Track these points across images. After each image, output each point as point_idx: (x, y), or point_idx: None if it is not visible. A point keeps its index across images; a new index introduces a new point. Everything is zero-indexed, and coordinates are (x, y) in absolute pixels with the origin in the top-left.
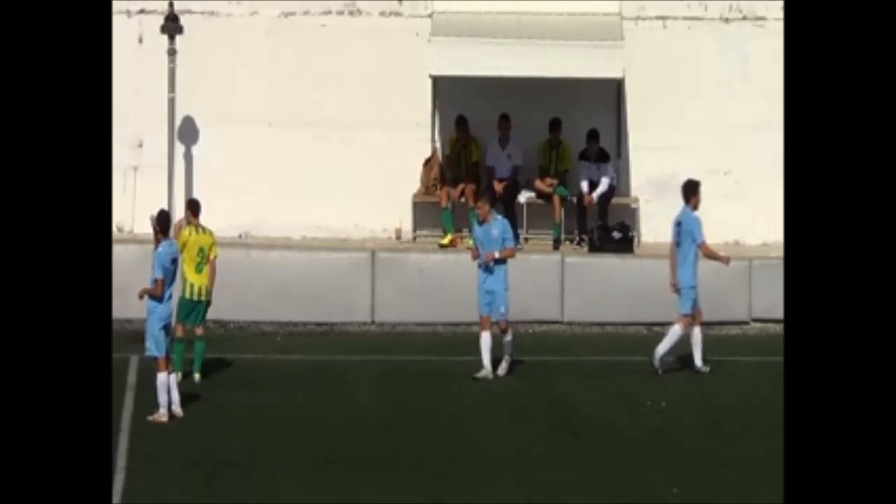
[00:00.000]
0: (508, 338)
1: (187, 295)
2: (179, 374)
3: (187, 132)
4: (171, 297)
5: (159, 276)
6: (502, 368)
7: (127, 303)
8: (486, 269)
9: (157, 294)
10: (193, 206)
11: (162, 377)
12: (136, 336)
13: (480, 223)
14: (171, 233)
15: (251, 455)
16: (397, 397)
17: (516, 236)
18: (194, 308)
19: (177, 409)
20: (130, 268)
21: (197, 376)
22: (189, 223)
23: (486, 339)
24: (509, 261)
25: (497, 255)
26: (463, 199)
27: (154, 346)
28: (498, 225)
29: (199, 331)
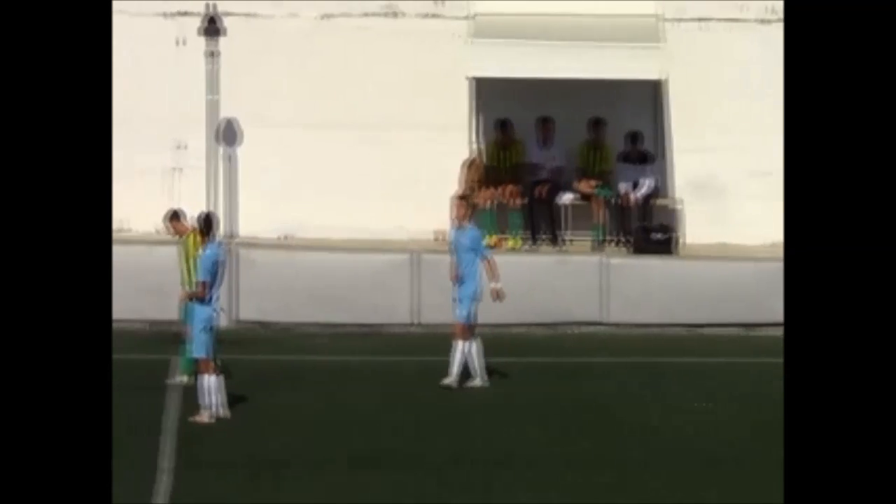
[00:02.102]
0: (461, 346)
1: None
2: (186, 378)
3: (229, 134)
4: (218, 298)
5: (204, 278)
6: (452, 380)
7: (168, 304)
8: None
9: (200, 296)
10: (178, 217)
11: (205, 379)
12: (178, 338)
13: (457, 227)
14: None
15: (295, 455)
16: (438, 398)
17: (555, 238)
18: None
19: (224, 410)
20: (171, 269)
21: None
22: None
23: (470, 347)
24: (548, 261)
25: (500, 290)
26: (508, 201)
27: (198, 347)
28: (469, 234)
29: None
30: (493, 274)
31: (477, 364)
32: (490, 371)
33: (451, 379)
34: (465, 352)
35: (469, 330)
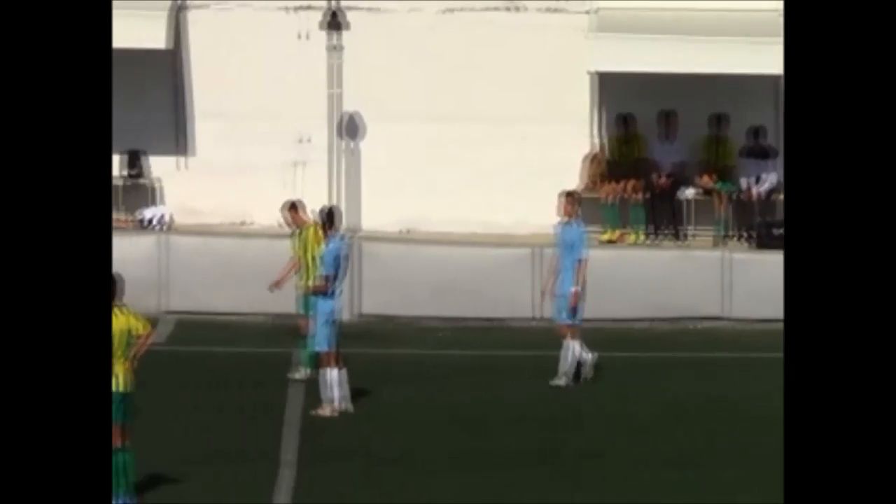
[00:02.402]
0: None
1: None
2: (308, 370)
3: (351, 128)
4: (341, 293)
5: (327, 272)
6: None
7: (291, 298)
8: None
9: (324, 290)
10: (296, 208)
11: (328, 372)
12: (297, 331)
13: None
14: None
15: (415, 451)
16: (559, 393)
17: (677, 233)
18: None
19: (347, 404)
20: None
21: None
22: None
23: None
24: (670, 256)
25: (576, 292)
26: (630, 195)
27: (321, 341)
28: (572, 231)
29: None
30: (576, 277)
31: (567, 364)
32: (610, 366)
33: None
34: (572, 350)
35: (572, 329)
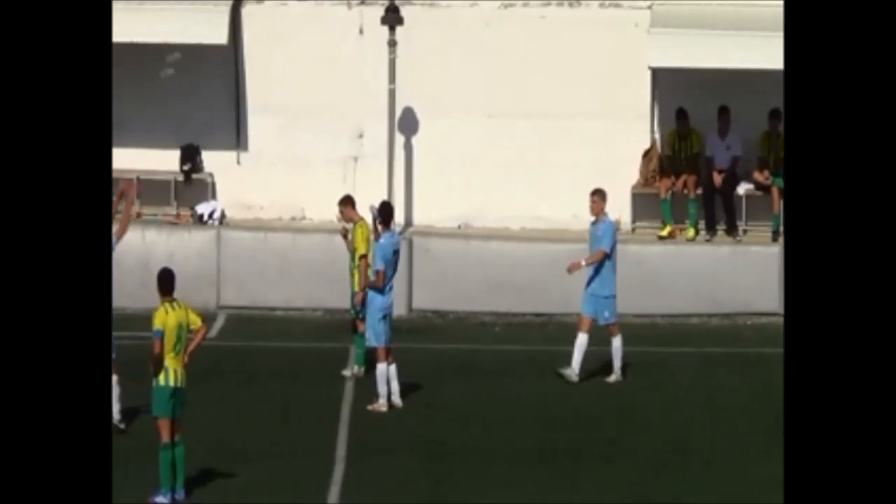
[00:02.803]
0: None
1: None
2: (362, 369)
3: (407, 123)
4: (391, 288)
5: (380, 267)
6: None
7: (346, 292)
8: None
9: (378, 285)
10: (352, 203)
11: (382, 367)
12: (352, 327)
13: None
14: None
15: (468, 445)
16: (614, 389)
17: (733, 228)
18: None
19: (396, 399)
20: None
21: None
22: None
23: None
24: (725, 251)
25: (576, 264)
26: (686, 191)
27: (374, 336)
28: (600, 227)
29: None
30: (588, 258)
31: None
32: (669, 362)
33: (572, 370)
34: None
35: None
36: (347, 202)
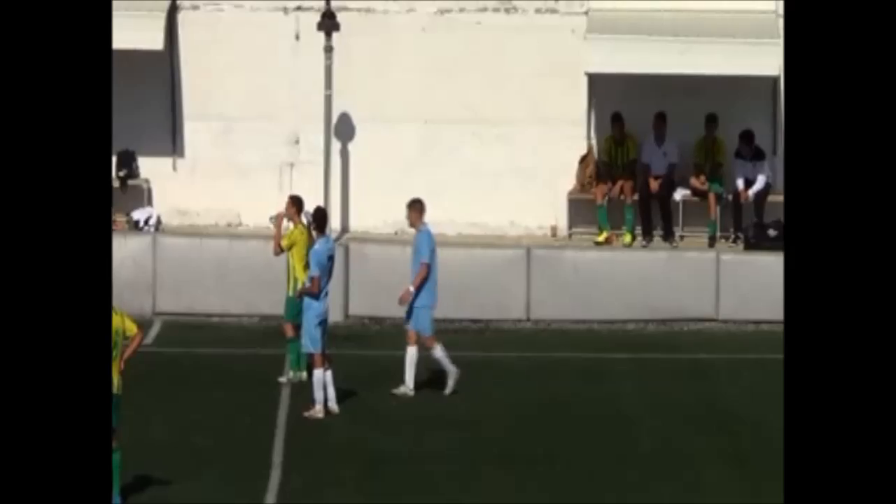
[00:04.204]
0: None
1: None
2: (303, 374)
3: (343, 129)
4: (327, 294)
5: (316, 273)
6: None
7: (282, 299)
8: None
9: (313, 291)
10: (299, 205)
11: (318, 373)
12: (282, 333)
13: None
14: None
15: (404, 452)
16: (551, 395)
17: (669, 234)
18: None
19: (333, 405)
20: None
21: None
22: (295, 222)
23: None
24: (662, 257)
25: (405, 294)
26: (622, 197)
27: (310, 342)
28: (417, 237)
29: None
30: (414, 280)
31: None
32: (607, 368)
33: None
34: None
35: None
36: (297, 203)
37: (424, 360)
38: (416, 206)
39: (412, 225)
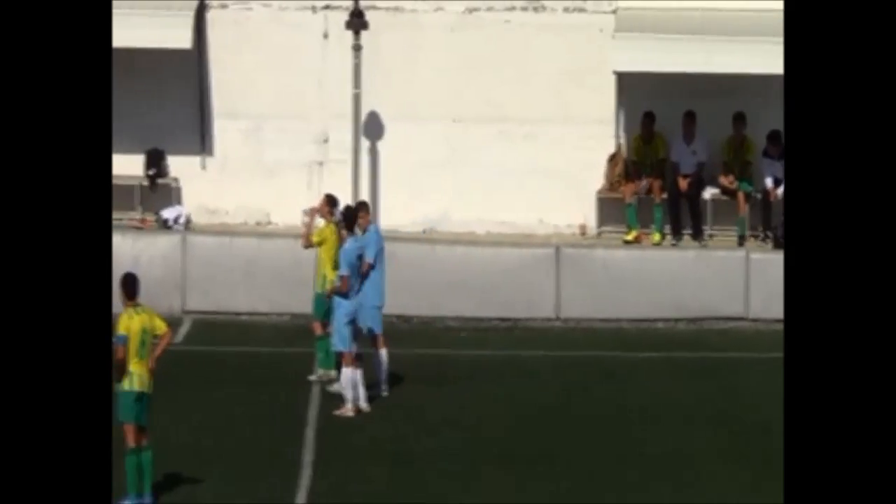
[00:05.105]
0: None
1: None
2: (332, 372)
3: (372, 127)
4: (357, 292)
5: (345, 272)
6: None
7: (308, 299)
8: None
9: (342, 290)
10: (333, 203)
11: (348, 372)
12: (311, 332)
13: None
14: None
15: (434, 450)
16: (579, 393)
17: (698, 233)
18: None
19: (363, 404)
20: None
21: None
22: (327, 220)
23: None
24: (691, 255)
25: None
26: (651, 195)
27: (340, 341)
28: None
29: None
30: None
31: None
32: (636, 367)
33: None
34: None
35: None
36: (332, 202)
37: (451, 360)
38: (364, 208)
39: (361, 229)
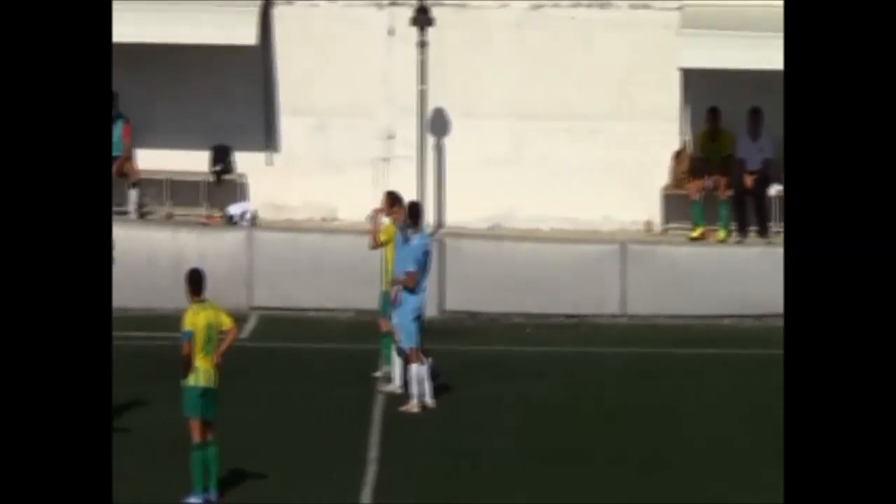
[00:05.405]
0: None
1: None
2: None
3: (438, 124)
4: (424, 289)
5: (411, 268)
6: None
7: (373, 294)
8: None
9: (409, 286)
10: (396, 200)
11: (415, 368)
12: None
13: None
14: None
15: (500, 447)
16: (645, 390)
17: (764, 229)
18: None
19: (429, 400)
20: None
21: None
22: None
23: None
24: (756, 252)
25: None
26: (717, 192)
27: (406, 337)
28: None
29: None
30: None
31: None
32: (702, 364)
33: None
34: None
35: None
36: (396, 200)
37: (517, 356)
38: (397, 203)
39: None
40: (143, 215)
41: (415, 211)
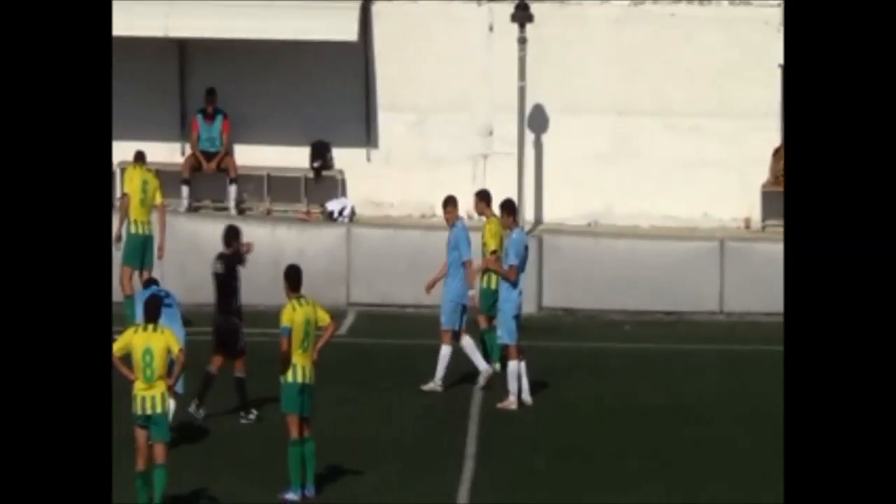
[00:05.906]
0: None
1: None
2: (496, 365)
3: (537, 120)
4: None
5: (514, 261)
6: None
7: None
8: None
9: (510, 278)
10: (487, 199)
11: (513, 365)
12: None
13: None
14: None
15: (597, 444)
16: (741, 388)
17: None
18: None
19: (526, 396)
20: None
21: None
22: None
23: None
24: None
25: (473, 296)
26: None
27: (507, 334)
28: (453, 233)
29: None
30: (469, 281)
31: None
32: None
33: (435, 383)
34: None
35: (450, 336)
36: (481, 197)
37: (615, 353)
38: (452, 202)
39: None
40: (241, 211)
41: (511, 207)
